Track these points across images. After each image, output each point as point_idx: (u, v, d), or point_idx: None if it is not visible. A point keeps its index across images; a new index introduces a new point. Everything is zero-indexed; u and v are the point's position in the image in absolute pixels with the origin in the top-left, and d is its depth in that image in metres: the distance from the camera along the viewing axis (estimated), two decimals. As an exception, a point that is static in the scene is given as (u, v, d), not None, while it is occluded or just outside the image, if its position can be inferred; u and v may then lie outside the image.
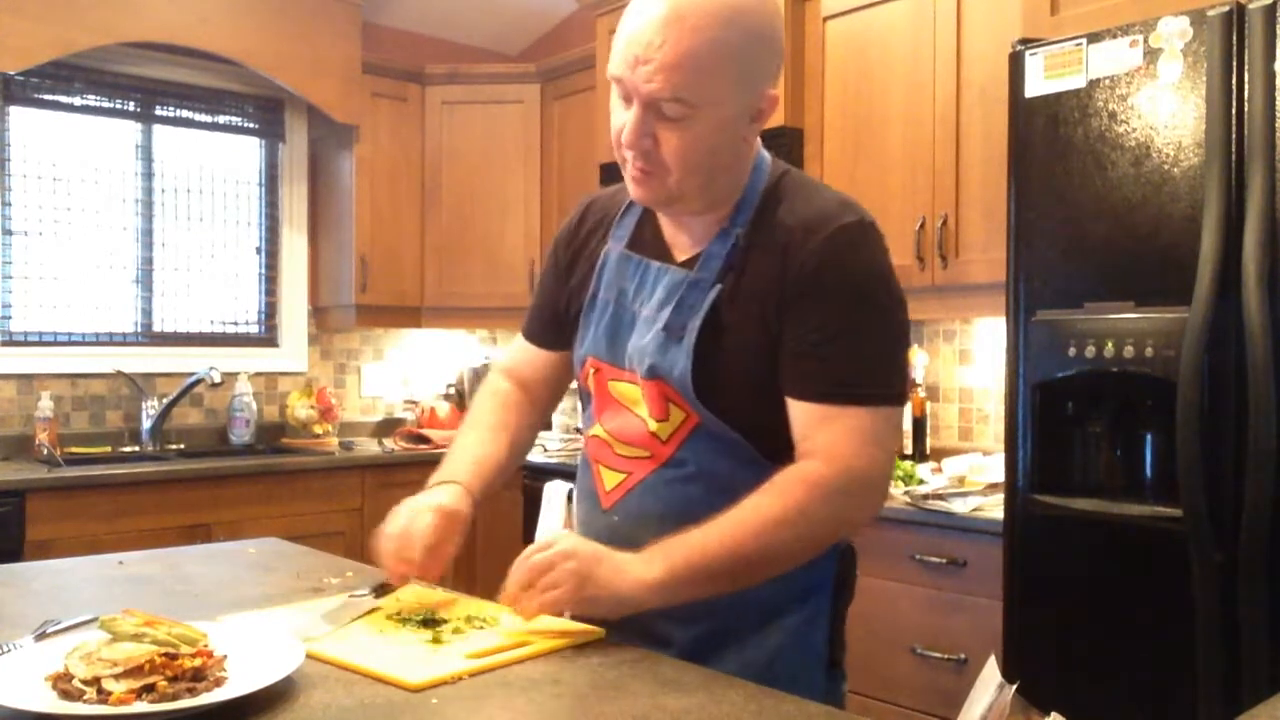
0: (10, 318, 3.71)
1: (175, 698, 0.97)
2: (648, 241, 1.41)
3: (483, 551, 3.74)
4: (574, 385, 1.55)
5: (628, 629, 1.27)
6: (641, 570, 1.21)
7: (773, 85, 1.29)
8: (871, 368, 1.27)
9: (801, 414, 1.28)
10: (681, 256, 1.38)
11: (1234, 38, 1.96)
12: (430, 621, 1.28)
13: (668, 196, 1.30)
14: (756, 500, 1.24)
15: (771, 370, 1.29)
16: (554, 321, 1.53)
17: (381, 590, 1.40)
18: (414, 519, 1.38)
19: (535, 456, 3.74)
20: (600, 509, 1.41)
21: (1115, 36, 2.13)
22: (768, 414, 1.30)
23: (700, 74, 1.19)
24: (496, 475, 1.50)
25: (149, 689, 0.98)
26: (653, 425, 1.34)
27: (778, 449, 1.29)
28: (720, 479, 1.31)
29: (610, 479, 1.40)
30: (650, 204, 1.36)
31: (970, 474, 2.85)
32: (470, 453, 1.50)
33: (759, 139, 1.38)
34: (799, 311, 1.27)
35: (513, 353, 1.62)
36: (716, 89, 1.21)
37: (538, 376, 1.58)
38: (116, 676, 0.98)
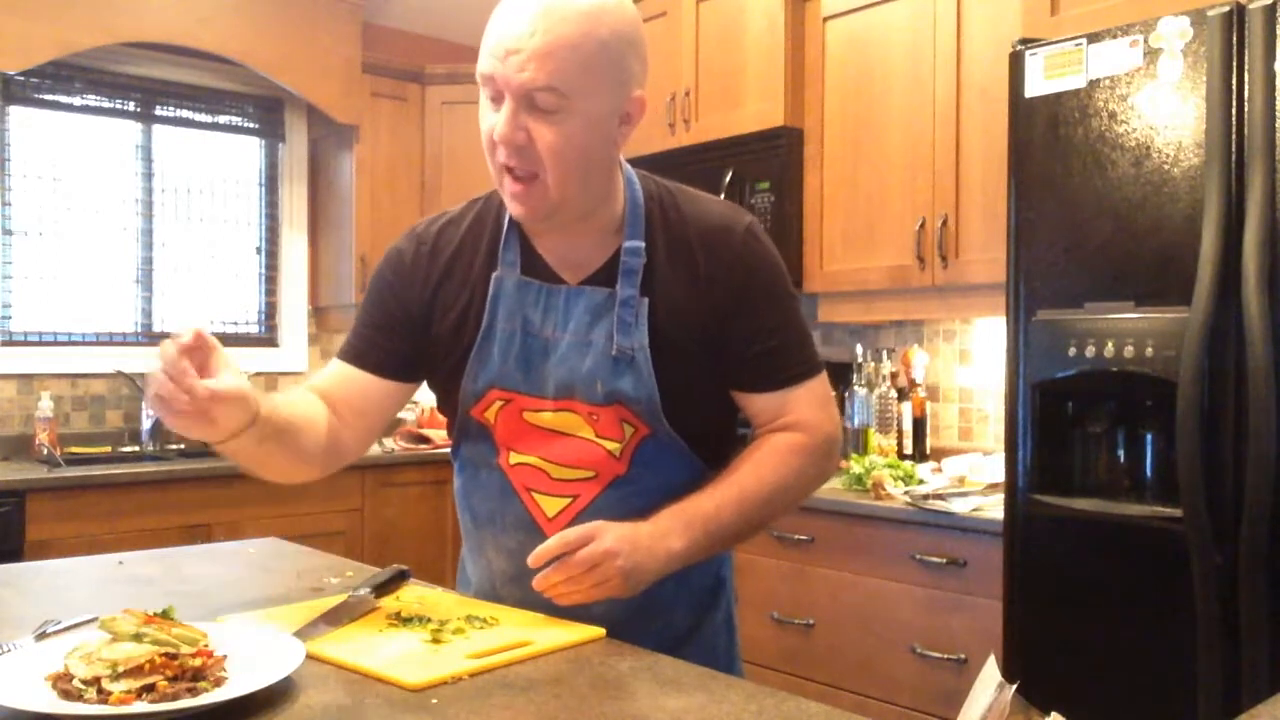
0: (10, 318, 3.71)
1: (175, 698, 0.97)
2: (536, 268, 1.39)
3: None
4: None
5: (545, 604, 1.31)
6: (668, 546, 1.28)
7: (640, 88, 1.31)
8: (807, 343, 1.42)
9: (769, 401, 1.40)
10: (575, 279, 1.38)
11: (1234, 38, 1.96)
12: (430, 621, 1.28)
13: (549, 207, 1.29)
14: (757, 470, 1.36)
15: (711, 377, 1.38)
16: (394, 350, 1.41)
17: (381, 590, 1.40)
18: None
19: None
20: (544, 537, 1.35)
21: (1115, 36, 2.13)
22: (711, 420, 1.41)
23: (571, 63, 1.21)
24: (286, 424, 1.29)
25: (149, 689, 0.98)
26: (609, 445, 1.36)
27: (713, 452, 1.40)
28: (667, 488, 1.34)
29: (551, 505, 1.38)
30: (532, 218, 1.33)
31: (970, 474, 2.85)
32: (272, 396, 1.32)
33: (621, 158, 1.40)
34: (745, 319, 1.36)
35: (329, 379, 1.44)
36: (587, 81, 1.23)
37: (354, 404, 1.41)
38: (116, 676, 0.98)
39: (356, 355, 1.43)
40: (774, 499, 1.37)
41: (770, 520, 1.41)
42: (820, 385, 1.42)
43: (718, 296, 1.35)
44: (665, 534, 1.27)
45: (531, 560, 1.22)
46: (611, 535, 1.23)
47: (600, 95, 1.25)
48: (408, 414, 4.48)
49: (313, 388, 1.43)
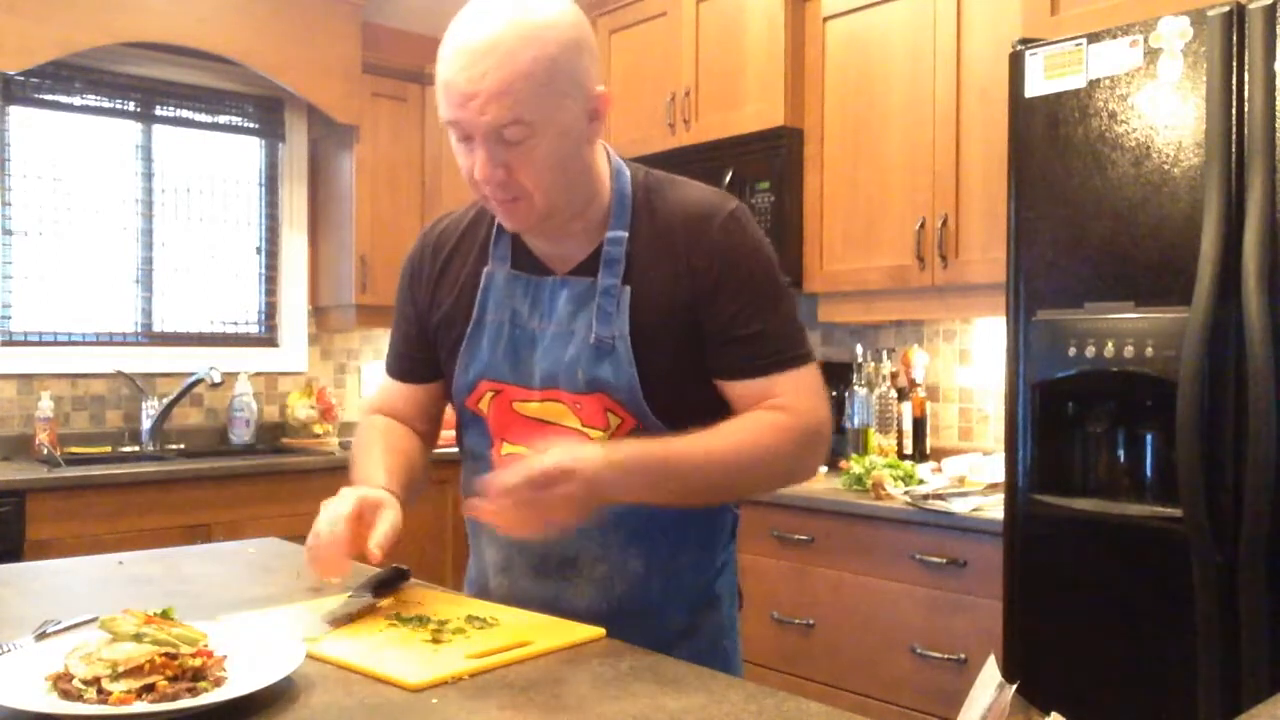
0: (10, 318, 3.71)
1: (175, 698, 0.97)
2: (525, 262, 1.41)
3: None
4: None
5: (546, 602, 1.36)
6: (624, 489, 1.25)
7: (599, 83, 1.32)
8: (792, 332, 1.37)
9: (750, 388, 1.35)
10: (563, 270, 1.39)
11: (1234, 38, 1.96)
12: (430, 621, 1.28)
13: (539, 218, 1.31)
14: (730, 432, 1.31)
15: (695, 366, 1.36)
16: (420, 357, 1.51)
17: (381, 590, 1.40)
18: (333, 515, 1.27)
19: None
20: None
21: (1115, 36, 2.13)
22: (698, 411, 1.36)
23: (529, 92, 1.22)
24: (410, 479, 1.42)
25: (149, 689, 0.98)
26: (594, 435, 1.36)
27: None
28: None
29: None
30: (524, 230, 1.36)
31: (970, 474, 2.85)
32: (377, 463, 1.41)
33: (609, 150, 1.41)
34: (720, 302, 1.34)
35: (382, 394, 1.57)
36: (548, 102, 1.24)
37: (416, 413, 1.54)
38: (116, 676, 0.98)
39: (398, 372, 1.55)
40: (748, 469, 1.33)
41: (737, 491, 1.39)
42: (809, 375, 1.37)
43: (697, 283, 1.34)
44: (624, 473, 1.23)
45: (488, 489, 1.20)
46: (577, 482, 1.19)
47: (563, 109, 1.26)
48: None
49: (380, 410, 1.55)
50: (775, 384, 1.35)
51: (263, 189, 4.35)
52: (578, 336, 1.35)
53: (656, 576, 1.31)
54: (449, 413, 1.56)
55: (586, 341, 1.35)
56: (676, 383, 1.36)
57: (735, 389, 1.36)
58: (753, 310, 1.34)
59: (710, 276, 1.34)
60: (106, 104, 3.91)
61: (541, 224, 1.33)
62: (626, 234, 1.36)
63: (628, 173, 1.41)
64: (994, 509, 2.50)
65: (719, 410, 1.42)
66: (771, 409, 1.34)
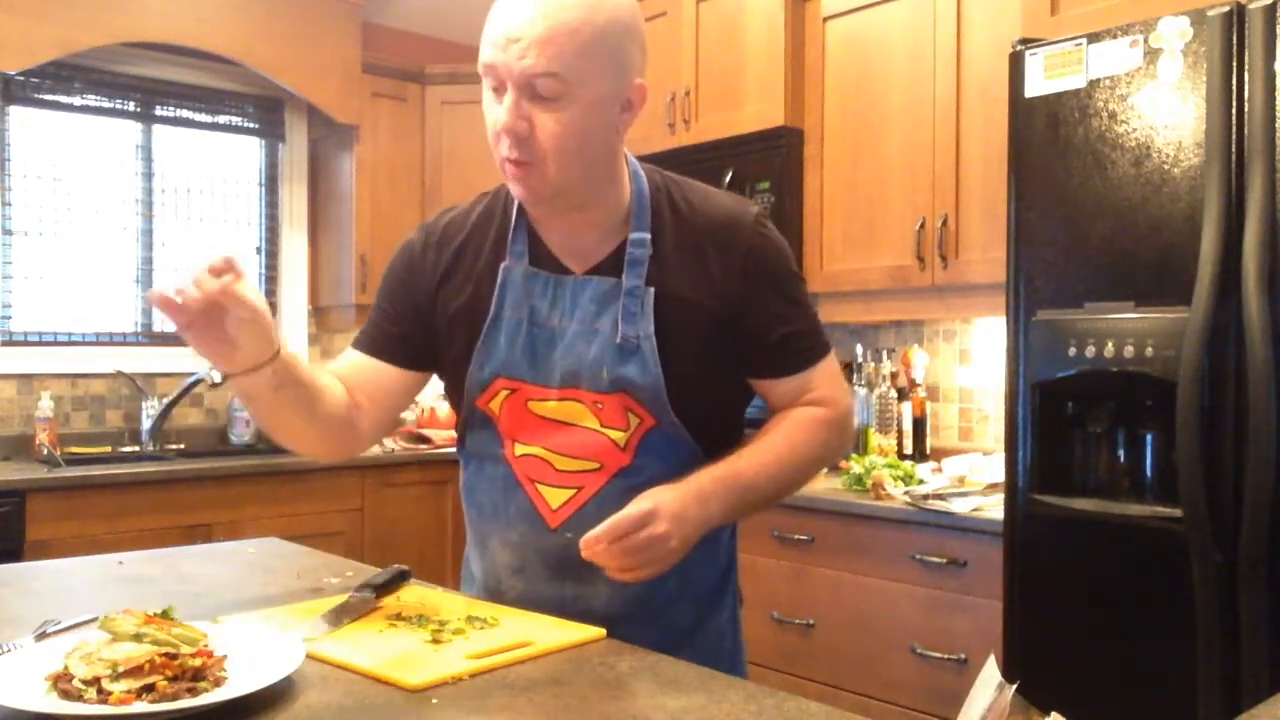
0: (10, 318, 3.71)
1: (175, 698, 0.97)
2: (543, 259, 1.41)
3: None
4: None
5: (549, 603, 1.37)
6: (709, 514, 1.30)
7: (640, 76, 1.32)
8: (817, 322, 1.47)
9: (790, 385, 1.43)
10: (581, 269, 1.39)
11: (1234, 38, 1.96)
12: (430, 621, 1.28)
13: (550, 190, 1.30)
14: (789, 438, 1.40)
15: (718, 367, 1.39)
16: (406, 339, 1.44)
17: (381, 590, 1.40)
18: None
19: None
20: (547, 529, 1.39)
21: (1115, 36, 2.13)
22: (715, 410, 1.42)
23: (570, 49, 1.23)
24: (304, 373, 1.31)
25: (149, 689, 0.97)
26: (614, 435, 1.36)
27: (715, 443, 1.39)
28: (669, 479, 1.33)
29: (555, 497, 1.39)
30: (531, 200, 1.34)
31: (970, 474, 2.85)
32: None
33: (626, 152, 1.41)
34: (760, 310, 1.39)
35: (343, 365, 1.47)
36: (586, 66, 1.25)
37: (369, 391, 1.43)
38: (116, 676, 0.98)
39: (370, 343, 1.46)
40: (804, 467, 1.42)
41: (796, 489, 1.45)
42: (833, 361, 1.46)
43: (730, 289, 1.36)
44: (707, 501, 1.29)
45: (584, 546, 1.21)
46: (664, 520, 1.22)
47: (600, 81, 1.27)
48: (408, 414, 4.49)
49: (331, 372, 1.45)
50: (811, 378, 1.43)
51: (263, 189, 4.35)
52: (602, 335, 1.35)
53: (671, 575, 1.31)
54: (448, 414, 1.55)
55: (611, 340, 1.35)
56: (696, 382, 1.37)
57: (777, 387, 1.43)
58: (786, 313, 1.40)
59: (744, 283, 1.37)
60: (106, 104, 3.91)
61: (550, 197, 1.32)
62: (649, 236, 1.37)
63: (643, 174, 1.42)
64: (994, 509, 2.50)
65: (733, 409, 1.46)
66: (812, 403, 1.43)
